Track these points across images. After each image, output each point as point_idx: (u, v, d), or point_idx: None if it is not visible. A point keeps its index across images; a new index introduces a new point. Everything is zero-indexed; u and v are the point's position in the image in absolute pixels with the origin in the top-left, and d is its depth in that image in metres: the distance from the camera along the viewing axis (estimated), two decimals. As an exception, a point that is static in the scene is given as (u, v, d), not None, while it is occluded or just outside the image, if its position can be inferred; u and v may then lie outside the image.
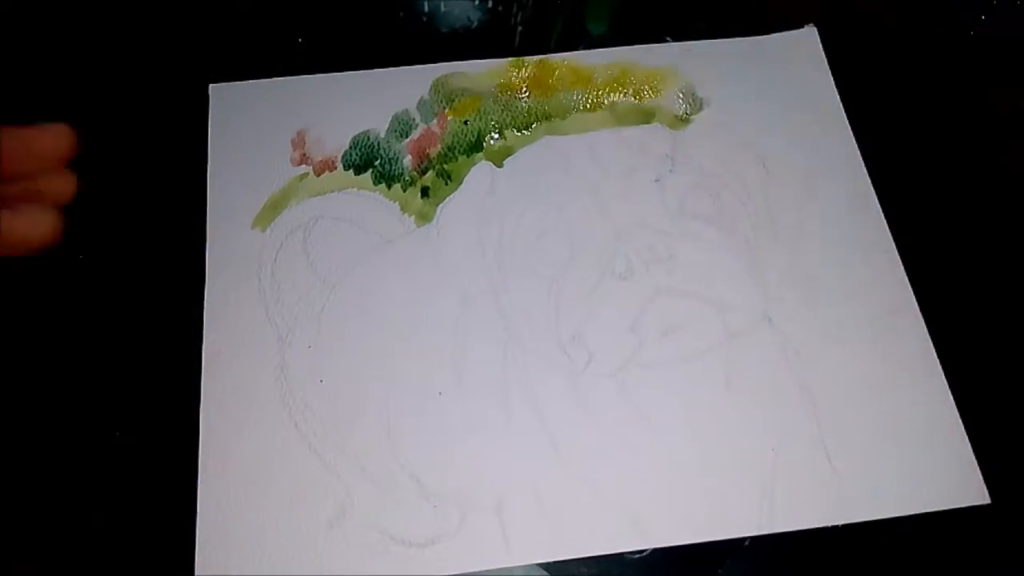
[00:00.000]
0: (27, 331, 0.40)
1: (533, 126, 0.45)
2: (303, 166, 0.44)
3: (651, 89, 0.46)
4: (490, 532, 0.35)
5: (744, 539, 0.36)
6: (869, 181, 0.44)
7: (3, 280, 0.39)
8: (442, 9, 0.49)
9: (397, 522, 0.35)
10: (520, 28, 0.48)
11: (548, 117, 0.45)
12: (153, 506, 0.36)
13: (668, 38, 0.48)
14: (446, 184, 0.43)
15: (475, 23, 0.48)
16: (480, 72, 0.46)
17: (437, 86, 0.46)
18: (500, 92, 0.46)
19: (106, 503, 0.36)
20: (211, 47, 0.47)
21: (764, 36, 0.48)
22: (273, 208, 0.42)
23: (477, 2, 0.49)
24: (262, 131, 0.45)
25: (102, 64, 0.46)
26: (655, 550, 0.35)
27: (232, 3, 0.48)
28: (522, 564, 0.35)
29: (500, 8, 0.49)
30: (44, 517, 0.36)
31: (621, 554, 0.35)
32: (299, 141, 0.44)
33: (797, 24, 0.48)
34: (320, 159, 0.44)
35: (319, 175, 0.43)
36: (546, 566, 0.35)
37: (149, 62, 0.47)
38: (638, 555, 0.35)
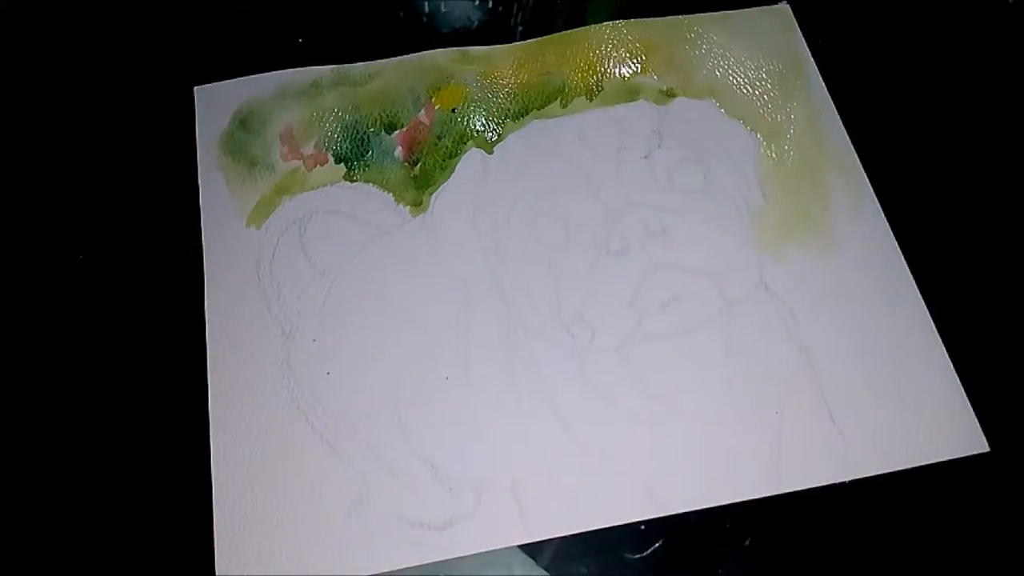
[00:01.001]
0: (28, 335, 0.39)
1: (520, 111, 0.45)
2: (294, 161, 0.44)
3: (634, 62, 0.46)
4: (506, 510, 0.36)
5: (745, 538, 0.36)
6: (851, 144, 0.44)
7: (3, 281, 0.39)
8: (442, 9, 0.49)
9: (414, 507, 0.36)
10: (520, 28, 0.48)
11: (534, 100, 0.45)
12: (168, 510, 0.36)
13: None
14: (438, 173, 0.43)
15: (475, 23, 0.49)
16: (464, 58, 0.46)
17: (422, 75, 0.46)
18: (484, 79, 0.46)
19: (121, 508, 0.36)
20: (206, 49, 0.47)
21: (739, 11, 0.48)
22: (267, 205, 0.42)
23: (477, 2, 0.49)
24: (249, 128, 0.44)
25: (91, 69, 0.46)
26: (655, 550, 0.36)
27: (234, 2, 0.48)
28: (539, 540, 0.35)
29: (500, 8, 0.49)
30: (49, 522, 0.36)
31: (622, 554, 0.36)
32: (288, 136, 0.44)
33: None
34: (310, 154, 0.44)
35: (311, 170, 0.43)
36: (547, 566, 0.36)
37: (138, 65, 0.46)
38: (638, 555, 0.36)
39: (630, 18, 0.48)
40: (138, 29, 0.47)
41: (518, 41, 0.47)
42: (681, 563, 0.36)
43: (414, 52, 0.47)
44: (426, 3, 0.49)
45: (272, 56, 0.47)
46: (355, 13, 0.49)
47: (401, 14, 0.49)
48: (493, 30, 0.48)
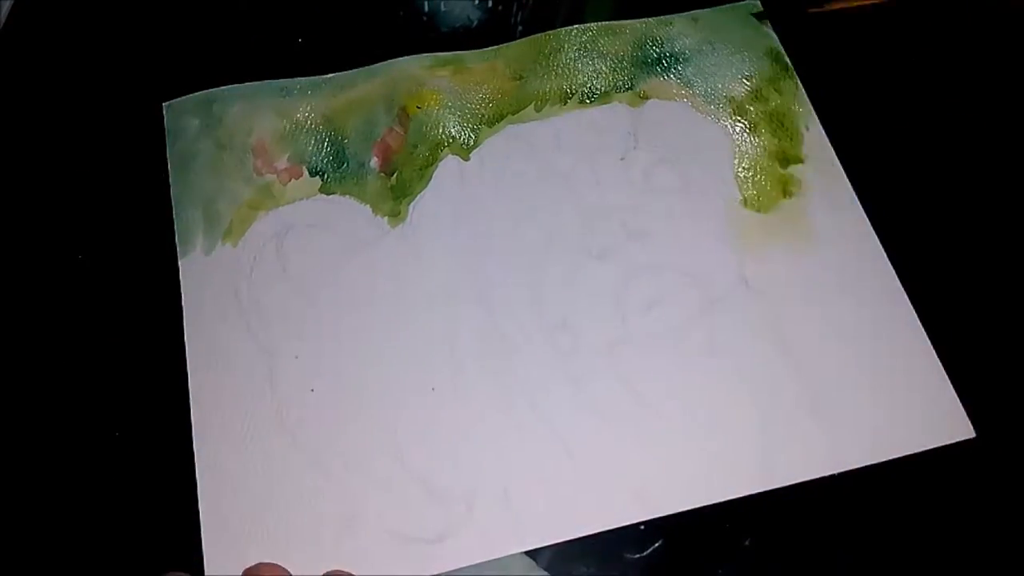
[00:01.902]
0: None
1: (495, 116, 0.45)
2: (268, 175, 0.43)
3: (606, 64, 0.46)
4: (499, 520, 0.36)
5: (745, 538, 0.36)
6: (826, 136, 0.45)
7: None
8: (442, 9, 0.49)
9: (407, 521, 0.35)
10: (520, 28, 0.48)
11: (509, 105, 0.45)
12: (155, 535, 0.35)
13: None
14: (415, 182, 0.43)
15: (475, 23, 0.48)
16: (436, 64, 0.46)
17: (394, 84, 0.45)
18: (457, 85, 0.46)
19: (108, 534, 0.36)
20: (199, 49, 0.47)
21: (710, 9, 0.48)
22: (242, 221, 0.42)
23: (477, 2, 0.49)
24: (220, 142, 0.44)
25: (64, 86, 0.46)
26: (655, 550, 0.36)
27: (234, 4, 0.48)
28: (533, 547, 0.35)
29: (500, 8, 0.49)
30: (31, 535, 0.35)
31: (621, 553, 0.36)
32: (261, 149, 0.44)
33: None
34: (284, 167, 0.43)
35: (285, 184, 0.43)
36: (547, 566, 0.36)
37: (112, 80, 0.46)
38: (639, 555, 0.36)
39: (627, 17, 0.48)
40: (113, 45, 0.47)
41: (493, 46, 0.47)
42: (681, 563, 0.36)
43: (413, 52, 0.46)
44: (426, 3, 0.48)
45: (271, 56, 0.46)
46: (355, 12, 0.48)
47: (401, 13, 0.48)
48: (493, 30, 0.48)
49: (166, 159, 0.43)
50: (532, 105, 0.45)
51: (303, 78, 0.45)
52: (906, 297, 0.40)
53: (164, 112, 0.45)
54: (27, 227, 0.42)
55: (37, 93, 0.46)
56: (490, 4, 0.49)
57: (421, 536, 0.35)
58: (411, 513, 0.36)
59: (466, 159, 0.44)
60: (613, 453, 0.37)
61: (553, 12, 0.49)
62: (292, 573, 0.33)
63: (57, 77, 0.46)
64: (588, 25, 0.47)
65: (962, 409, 0.38)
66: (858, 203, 0.43)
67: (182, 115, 0.44)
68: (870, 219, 0.43)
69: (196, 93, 0.45)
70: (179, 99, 0.45)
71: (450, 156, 0.44)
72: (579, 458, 0.37)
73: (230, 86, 0.45)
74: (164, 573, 0.32)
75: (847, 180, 0.44)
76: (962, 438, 0.37)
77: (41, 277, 0.41)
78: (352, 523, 0.35)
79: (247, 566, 0.33)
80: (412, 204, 0.42)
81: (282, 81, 0.45)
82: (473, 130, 0.44)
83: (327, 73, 0.46)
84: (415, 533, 0.35)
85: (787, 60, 0.47)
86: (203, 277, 0.40)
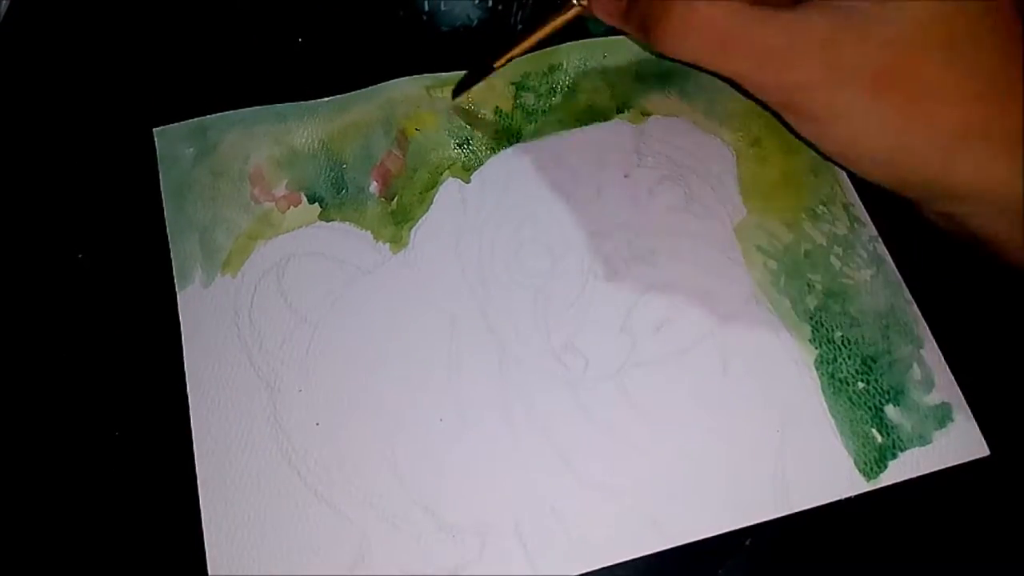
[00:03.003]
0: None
1: (495, 136, 0.44)
2: (266, 203, 0.42)
3: (606, 81, 0.46)
4: (512, 554, 0.35)
5: (745, 538, 0.36)
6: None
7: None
8: (442, 8, 0.48)
9: (418, 558, 0.35)
10: (520, 28, 0.47)
11: (509, 125, 0.44)
12: (160, 578, 0.35)
13: None
14: (416, 206, 0.42)
15: (475, 22, 0.48)
16: (435, 85, 0.45)
17: (392, 106, 0.45)
18: (456, 106, 0.45)
19: (102, 549, 0.35)
20: (200, 48, 0.46)
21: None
22: (241, 251, 0.41)
23: (477, 1, 0.48)
24: (216, 170, 0.43)
25: (58, 109, 0.45)
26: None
27: (233, 3, 0.47)
28: (548, 581, 0.35)
29: (500, 7, 0.48)
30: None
31: None
32: (258, 177, 0.43)
33: None
34: (283, 194, 0.42)
35: (284, 211, 0.42)
36: None
37: (104, 104, 0.45)
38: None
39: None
40: (105, 61, 0.46)
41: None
42: (681, 563, 0.36)
43: (413, 51, 0.46)
44: (426, 2, 0.48)
45: (270, 58, 0.46)
46: (354, 12, 0.47)
47: (401, 13, 0.48)
48: (493, 30, 0.48)
49: (159, 185, 0.42)
50: (533, 124, 0.45)
51: (299, 103, 0.44)
52: (918, 311, 0.40)
53: (156, 138, 0.44)
54: (23, 231, 0.41)
55: (27, 112, 0.45)
56: (490, 4, 0.48)
57: (433, 573, 0.34)
58: (422, 549, 0.35)
59: (467, 181, 0.43)
60: (627, 481, 0.36)
61: (554, 11, 0.48)
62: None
63: (44, 95, 0.45)
64: (588, 40, 0.47)
65: (976, 428, 0.37)
66: (866, 212, 0.42)
67: (175, 142, 0.44)
68: (878, 228, 0.42)
69: (189, 120, 0.44)
70: (171, 126, 0.44)
71: (451, 179, 0.43)
72: (592, 487, 0.36)
73: (224, 113, 0.44)
74: None
75: (854, 189, 0.43)
76: (976, 457, 0.37)
77: (36, 293, 0.40)
78: (362, 559, 0.35)
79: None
80: (413, 229, 0.42)
81: (278, 106, 0.44)
82: (473, 151, 0.44)
83: (327, 74, 0.45)
84: (427, 570, 0.35)
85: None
86: (202, 310, 0.39)
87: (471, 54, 0.45)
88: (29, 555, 0.35)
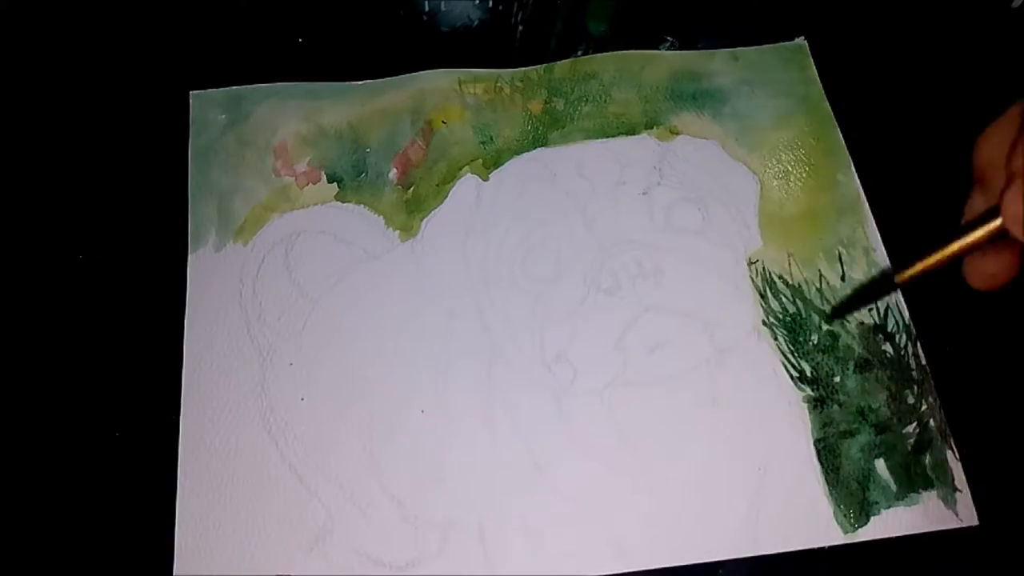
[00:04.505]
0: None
1: (520, 138, 0.44)
2: (286, 177, 0.43)
3: (639, 94, 0.45)
4: (471, 554, 0.35)
5: (718, 568, 0.35)
6: (860, 187, 0.43)
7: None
8: (442, 8, 0.48)
9: (378, 545, 0.35)
10: (520, 27, 0.47)
11: (535, 128, 0.44)
12: (129, 525, 0.36)
13: (668, 38, 0.47)
14: (431, 198, 0.42)
15: (475, 22, 0.48)
16: (468, 80, 0.45)
17: (423, 97, 0.45)
18: (486, 103, 0.45)
19: (81, 521, 0.36)
20: (201, 48, 0.47)
21: (754, 47, 0.47)
22: (255, 221, 0.42)
23: (477, 1, 0.48)
24: (244, 139, 0.44)
25: (89, 71, 0.46)
26: None
27: (234, 4, 0.48)
28: (504, 586, 0.35)
29: (500, 7, 0.48)
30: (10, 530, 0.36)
31: None
32: (282, 151, 0.44)
33: (787, 36, 0.48)
34: (304, 171, 0.43)
35: (302, 187, 0.43)
36: None
37: (136, 67, 0.46)
38: None
39: (628, 19, 0.47)
40: (137, 31, 0.47)
41: (519, 43, 0.46)
42: (681, 565, 0.35)
43: (412, 50, 0.46)
44: (426, 2, 0.48)
45: (271, 58, 0.46)
46: (355, 12, 0.48)
47: (401, 13, 0.48)
48: (493, 29, 0.48)
49: (187, 147, 0.43)
50: (560, 130, 0.44)
51: (333, 83, 0.45)
52: (929, 371, 0.39)
53: (191, 100, 0.45)
54: (41, 212, 0.43)
55: (61, 77, 0.46)
56: (490, 4, 0.48)
57: (390, 560, 0.35)
58: (384, 537, 0.35)
59: (485, 179, 0.43)
60: (596, 499, 0.36)
61: (554, 13, 0.48)
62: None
63: (82, 60, 0.46)
64: (626, 52, 0.46)
65: (969, 496, 0.36)
66: (888, 261, 0.41)
67: (209, 107, 0.45)
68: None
69: (225, 88, 0.45)
70: (207, 91, 0.45)
71: (469, 175, 0.43)
72: (561, 499, 0.36)
73: (259, 85, 0.45)
74: None
75: (878, 233, 0.42)
76: (965, 525, 0.36)
77: (49, 264, 0.41)
78: (324, 538, 0.35)
79: (215, 567, 0.33)
80: (425, 220, 0.42)
81: (312, 84, 0.45)
82: (496, 150, 0.44)
83: (327, 75, 0.46)
84: (385, 557, 0.35)
85: (828, 108, 0.45)
86: (210, 273, 0.40)
87: (471, 54, 0.46)
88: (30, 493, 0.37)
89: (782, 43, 0.47)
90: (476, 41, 0.47)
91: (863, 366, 0.39)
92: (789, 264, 0.41)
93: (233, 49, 0.46)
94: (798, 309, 0.40)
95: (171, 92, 0.45)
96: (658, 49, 0.47)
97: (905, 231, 0.42)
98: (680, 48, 0.47)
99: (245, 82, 0.45)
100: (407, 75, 0.46)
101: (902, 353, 0.39)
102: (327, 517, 0.35)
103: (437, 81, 0.45)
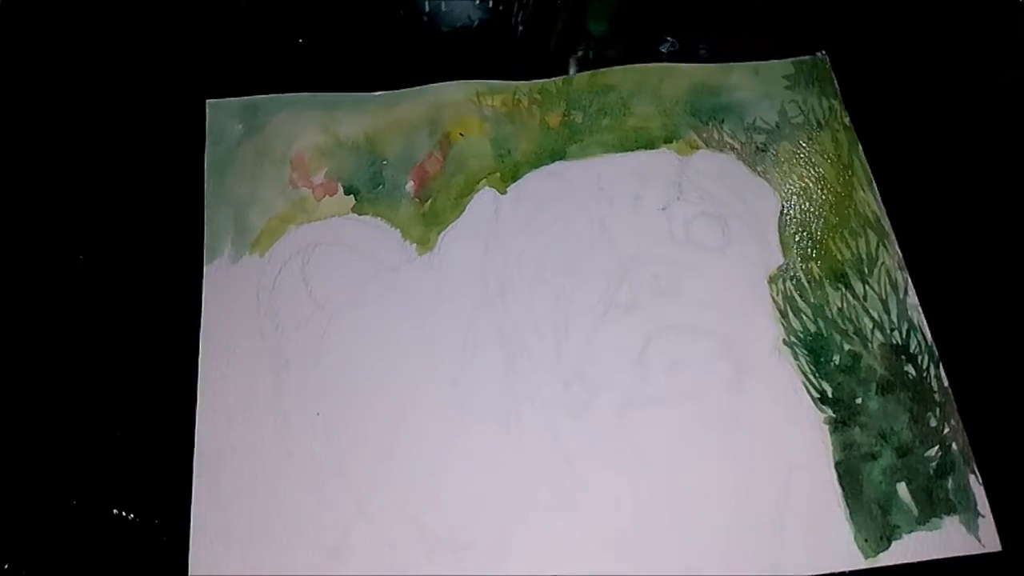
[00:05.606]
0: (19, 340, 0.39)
1: (538, 151, 0.44)
2: (303, 188, 0.43)
3: (659, 108, 0.45)
4: (487, 570, 0.35)
5: None
6: (882, 205, 0.43)
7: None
8: (443, 8, 0.48)
9: (393, 560, 0.35)
10: (521, 27, 0.47)
11: (553, 141, 0.44)
12: (145, 539, 0.35)
13: (668, 38, 0.47)
14: (449, 211, 0.42)
15: (476, 22, 0.48)
16: (486, 93, 0.45)
17: (441, 108, 0.45)
18: (505, 116, 0.45)
19: (100, 531, 0.35)
20: (209, 56, 0.46)
21: (775, 61, 0.47)
22: (272, 233, 0.42)
23: (478, 1, 0.48)
24: (260, 150, 0.44)
25: (108, 77, 0.46)
26: None
27: (233, 3, 0.48)
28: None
29: (501, 7, 0.48)
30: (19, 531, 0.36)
31: None
32: (299, 162, 0.43)
33: (789, 36, 0.47)
34: (321, 182, 0.43)
35: (319, 199, 0.42)
36: None
37: (152, 75, 0.46)
38: None
39: (629, 20, 0.47)
40: (153, 39, 0.47)
41: (519, 43, 0.46)
42: None
43: (413, 50, 0.46)
44: (426, 3, 0.48)
45: (275, 58, 0.46)
46: (356, 12, 0.48)
47: (401, 13, 0.48)
48: (494, 29, 0.47)
49: (202, 157, 0.43)
50: (578, 143, 0.44)
51: (349, 93, 0.45)
52: (950, 391, 0.38)
53: (207, 109, 0.44)
54: (58, 216, 0.42)
55: (78, 82, 0.46)
56: (490, 4, 0.48)
57: (405, 574, 0.34)
58: (397, 553, 0.35)
59: (503, 192, 0.43)
60: (613, 520, 0.36)
61: (554, 13, 0.47)
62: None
63: (98, 67, 0.46)
64: (646, 65, 0.46)
65: (992, 522, 0.35)
66: (911, 284, 0.41)
67: (225, 116, 0.44)
68: (919, 293, 0.40)
69: (242, 97, 0.45)
70: (224, 100, 0.45)
71: (487, 188, 0.43)
72: (578, 519, 0.36)
73: (275, 95, 0.45)
74: None
75: (901, 256, 0.41)
76: (987, 551, 0.35)
77: (62, 275, 0.41)
78: (337, 553, 0.35)
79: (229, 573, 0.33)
80: (442, 233, 0.42)
81: (328, 95, 0.45)
82: (514, 163, 0.43)
83: (328, 74, 0.45)
84: (399, 570, 0.34)
85: (849, 123, 0.45)
86: (226, 285, 0.40)
87: (472, 54, 0.46)
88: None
89: (803, 57, 0.47)
90: (477, 41, 0.47)
91: (885, 388, 0.38)
92: (810, 282, 0.41)
93: (233, 49, 0.46)
94: (819, 328, 0.39)
95: (187, 100, 0.45)
96: (658, 49, 0.46)
97: (927, 247, 0.42)
98: (680, 48, 0.47)
99: (249, 83, 0.45)
100: (423, 87, 0.45)
101: (924, 375, 0.39)
102: (342, 532, 0.35)
103: (454, 93, 0.45)
